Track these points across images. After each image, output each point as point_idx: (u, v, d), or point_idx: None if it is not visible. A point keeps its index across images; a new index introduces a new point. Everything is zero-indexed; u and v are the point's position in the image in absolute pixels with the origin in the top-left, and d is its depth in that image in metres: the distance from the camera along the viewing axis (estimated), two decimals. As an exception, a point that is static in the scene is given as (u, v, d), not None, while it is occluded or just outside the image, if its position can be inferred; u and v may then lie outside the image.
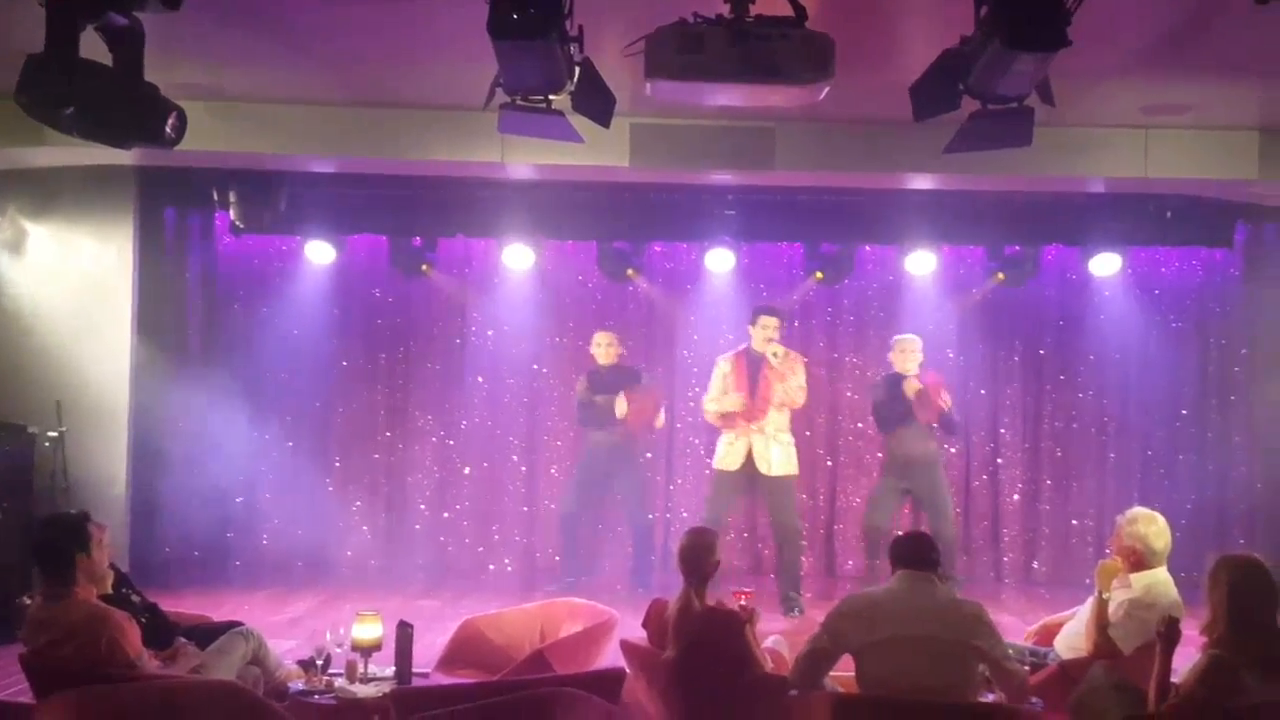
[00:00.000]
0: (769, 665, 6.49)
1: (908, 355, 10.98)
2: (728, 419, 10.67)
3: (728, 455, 10.65)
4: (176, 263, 12.12)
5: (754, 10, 6.51)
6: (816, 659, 6.09)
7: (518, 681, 6.21)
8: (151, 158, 10.45)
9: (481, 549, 12.53)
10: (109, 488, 11.07)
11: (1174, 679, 5.59)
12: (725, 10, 6.52)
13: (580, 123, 7.57)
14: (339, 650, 6.69)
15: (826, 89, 6.68)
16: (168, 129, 7.01)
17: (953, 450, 12.51)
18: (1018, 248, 12.18)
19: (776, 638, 7.40)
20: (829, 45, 6.53)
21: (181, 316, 12.16)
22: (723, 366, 10.79)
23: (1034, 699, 6.16)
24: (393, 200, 11.67)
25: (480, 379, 12.65)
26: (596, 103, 7.41)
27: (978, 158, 8.06)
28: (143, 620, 6.49)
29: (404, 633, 6.67)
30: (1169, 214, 11.42)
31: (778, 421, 10.62)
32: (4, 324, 11.08)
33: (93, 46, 6.55)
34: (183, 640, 6.77)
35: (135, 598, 6.87)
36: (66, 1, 6.30)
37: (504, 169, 10.53)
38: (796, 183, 11.19)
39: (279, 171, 11.20)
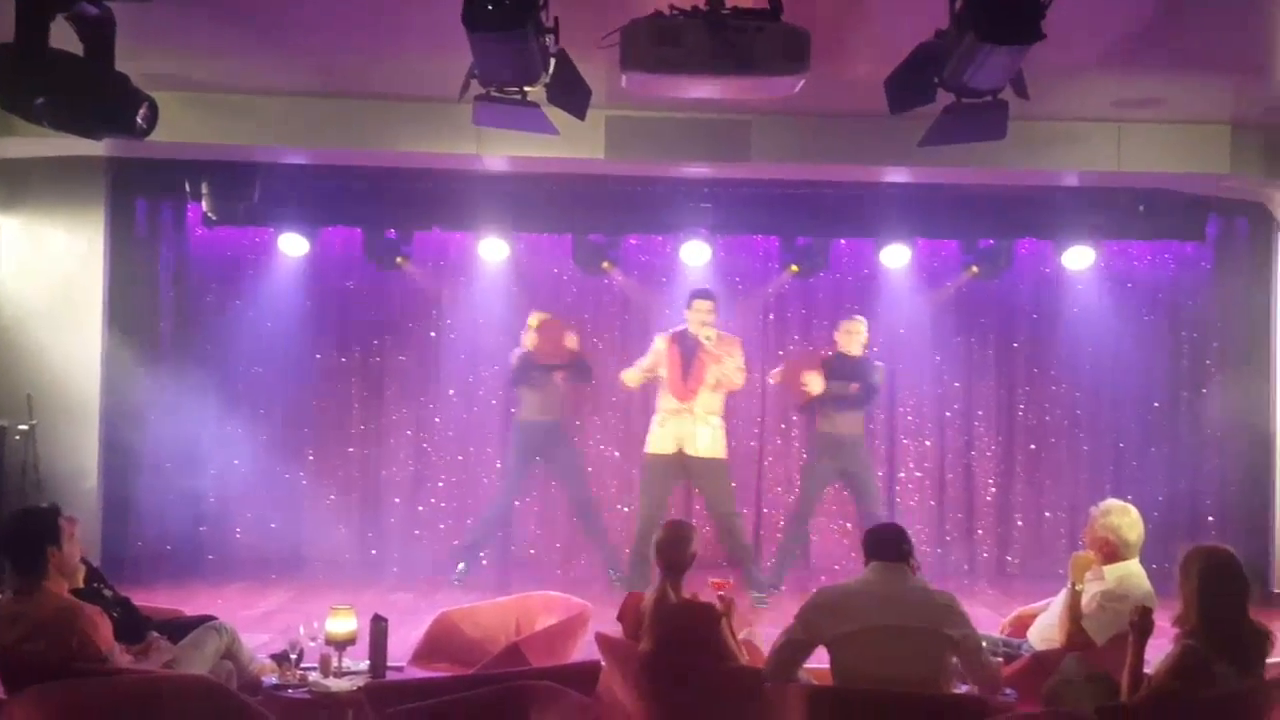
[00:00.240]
0: (744, 657, 6.49)
1: (851, 337, 11.15)
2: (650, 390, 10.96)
3: (658, 439, 10.75)
4: (148, 255, 12.05)
5: (730, 3, 6.51)
6: (790, 651, 6.10)
7: (493, 675, 6.21)
8: (123, 148, 10.38)
9: (456, 542, 12.49)
10: (80, 481, 11.02)
11: (1146, 670, 5.61)
12: (701, 3, 6.51)
13: (556, 115, 7.56)
14: (313, 644, 6.67)
15: (802, 82, 6.69)
16: (139, 119, 6.99)
17: (925, 443, 12.59)
18: (991, 241, 12.20)
19: (750, 629, 7.40)
20: (804, 38, 6.53)
21: (153, 309, 12.10)
22: (658, 344, 10.89)
23: (1007, 690, 6.18)
24: (367, 192, 11.61)
25: (455, 372, 12.61)
26: (572, 95, 7.41)
27: (952, 151, 8.08)
28: (115, 615, 6.46)
29: (378, 626, 6.65)
30: (1141, 207, 11.45)
31: (707, 403, 10.72)
32: (-26, 316, 11.03)
33: (63, 36, 6.51)
34: (155, 635, 6.74)
35: (107, 592, 6.84)
36: (37, -9, 6.28)
37: (479, 161, 10.51)
38: (772, 176, 11.21)
39: (252, 163, 11.14)
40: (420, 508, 12.69)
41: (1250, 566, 5.82)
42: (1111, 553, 6.88)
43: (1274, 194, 11.10)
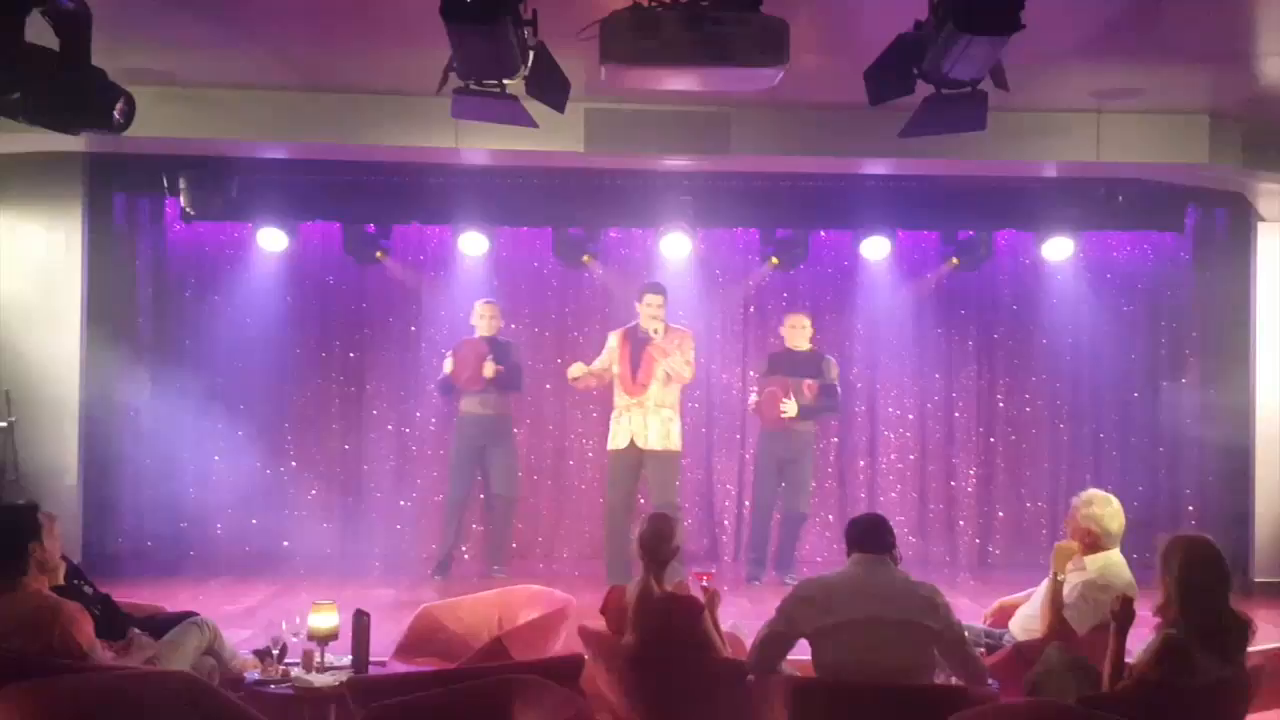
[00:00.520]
0: (728, 650, 6.50)
1: (797, 331, 11.31)
2: (587, 382, 11.05)
3: (615, 435, 10.86)
4: (126, 250, 12.01)
5: (709, -6, 6.51)
6: (772, 643, 6.11)
7: (476, 669, 6.20)
8: (100, 144, 10.33)
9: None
10: (60, 478, 10.96)
11: (1128, 659, 5.63)
12: (679, -6, 6.51)
13: (535, 108, 7.54)
14: (295, 640, 6.67)
15: (781, 74, 6.68)
16: (116, 114, 6.96)
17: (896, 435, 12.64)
18: (971, 232, 12.22)
19: (736, 622, 7.42)
20: (784, 30, 6.52)
21: (132, 305, 12.06)
22: (611, 341, 11.02)
23: (990, 680, 6.19)
24: (346, 187, 11.59)
25: (436, 366, 12.56)
26: (551, 87, 7.39)
27: (932, 142, 8.09)
28: (95, 612, 6.45)
29: (361, 621, 6.64)
30: (1120, 198, 11.47)
31: (659, 397, 10.78)
32: (-49, 313, 10.98)
33: (39, 31, 6.48)
34: (136, 631, 6.73)
35: (87, 589, 6.83)
36: (12, -16, 6.24)
37: (458, 155, 10.48)
38: (752, 168, 11.20)
39: (230, 158, 11.11)
40: (402, 502, 12.68)
41: (1230, 556, 5.84)
42: (1093, 543, 6.91)
43: (1252, 184, 11.13)
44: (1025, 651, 6.62)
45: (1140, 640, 5.64)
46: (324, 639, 6.63)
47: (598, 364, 10.95)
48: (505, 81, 7.22)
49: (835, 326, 12.72)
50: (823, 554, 12.32)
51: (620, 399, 10.85)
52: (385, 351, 12.76)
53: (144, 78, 8.77)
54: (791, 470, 11.30)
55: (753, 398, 11.25)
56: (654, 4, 6.49)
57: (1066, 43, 8.41)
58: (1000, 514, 12.86)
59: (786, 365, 11.24)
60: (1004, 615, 7.49)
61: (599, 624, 6.76)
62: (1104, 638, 5.81)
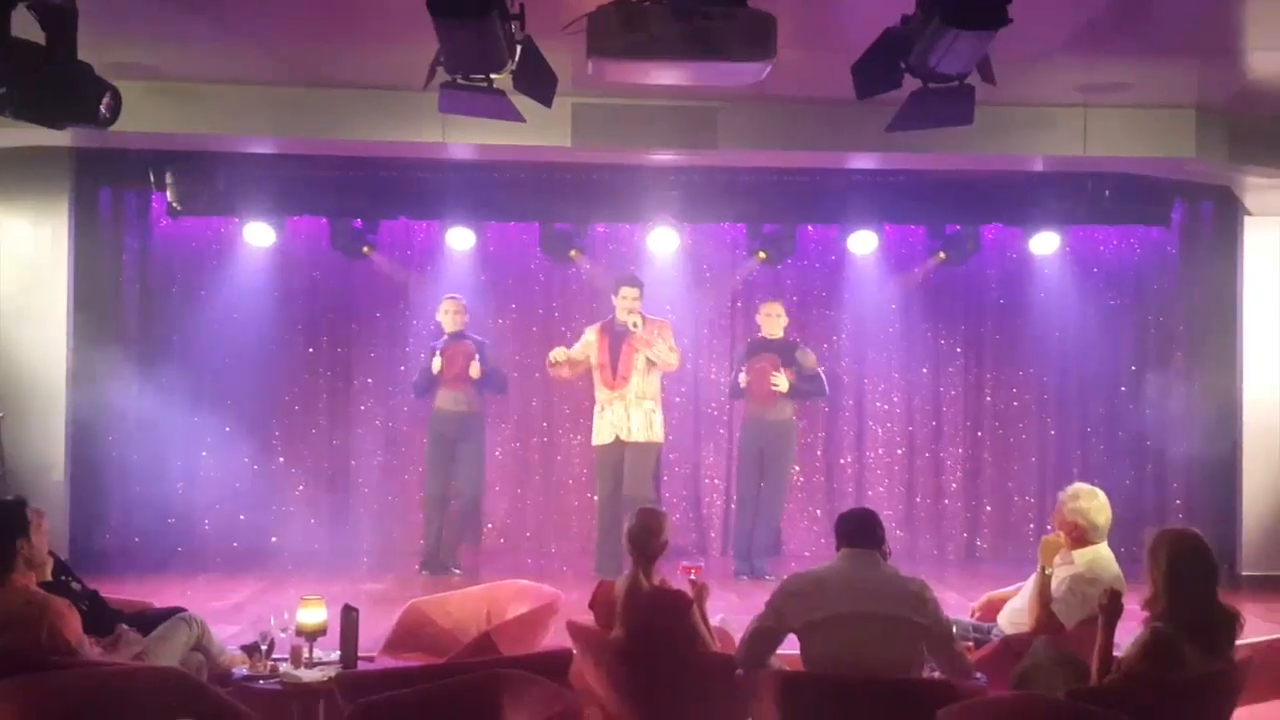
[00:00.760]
0: (716, 644, 6.51)
1: (772, 319, 11.33)
2: (560, 372, 11.09)
3: (599, 430, 10.94)
4: (113, 245, 12.00)
5: (696, -12, 6.51)
6: (761, 638, 6.11)
7: (464, 664, 6.21)
8: (86, 138, 10.30)
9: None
10: (47, 473, 10.95)
11: (1116, 653, 5.63)
12: (667, -12, 6.51)
13: (522, 102, 7.54)
14: (284, 635, 6.66)
15: (769, 68, 6.68)
16: (102, 109, 6.95)
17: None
18: (958, 227, 12.23)
19: (724, 616, 7.42)
20: (771, 24, 6.53)
21: (118, 300, 12.05)
22: (588, 335, 11.07)
23: (977, 674, 6.20)
24: (333, 181, 11.56)
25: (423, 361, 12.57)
26: (538, 82, 7.38)
27: (919, 136, 8.08)
28: (83, 607, 6.43)
29: (349, 617, 6.64)
30: (1107, 192, 11.47)
31: (640, 389, 10.86)
32: (-62, 309, 10.95)
33: (25, 25, 6.46)
34: (124, 627, 6.71)
35: (75, 585, 6.82)
36: (-2, -21, 6.23)
37: (446, 150, 10.46)
38: (739, 163, 11.21)
39: (217, 152, 11.08)
40: (390, 497, 12.68)
41: (1217, 549, 5.85)
42: (1080, 536, 6.91)
43: (1239, 178, 11.14)
44: (1013, 645, 6.63)
45: (1128, 634, 5.64)
46: (312, 634, 6.62)
47: (574, 352, 10.97)
48: (492, 76, 7.22)
49: (822, 321, 12.74)
50: (810, 548, 12.32)
51: (601, 393, 10.89)
52: (373, 347, 12.75)
53: (130, 72, 8.75)
54: (773, 463, 11.32)
55: (742, 376, 11.20)
56: (641, -2, 6.49)
57: (1054, 37, 8.42)
58: (988, 508, 12.88)
59: (763, 353, 11.26)
60: (992, 609, 7.49)
61: (588, 619, 6.76)
62: (1092, 631, 5.81)
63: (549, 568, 11.64)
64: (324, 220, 12.17)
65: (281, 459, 12.58)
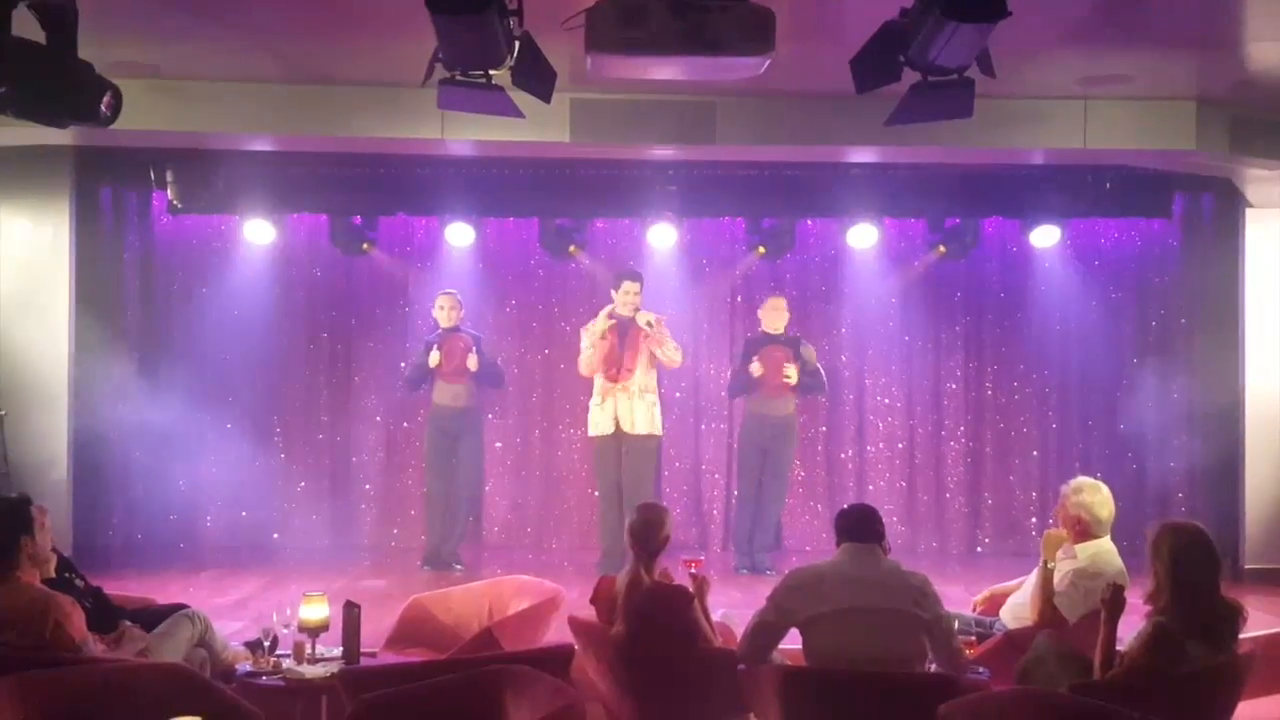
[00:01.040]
0: (718, 639, 6.51)
1: (777, 314, 11.28)
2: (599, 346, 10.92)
3: (600, 420, 10.88)
4: (114, 243, 12.01)
5: (695, -17, 6.50)
6: (763, 633, 6.12)
7: (466, 660, 6.22)
8: (87, 137, 10.30)
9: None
10: (50, 471, 10.96)
11: (1119, 647, 5.64)
12: (665, -17, 6.50)
13: (521, 98, 7.53)
14: (286, 631, 6.66)
15: (767, 63, 6.68)
16: (103, 108, 6.95)
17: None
18: (958, 220, 12.23)
19: (726, 611, 7.42)
20: (770, 18, 6.52)
21: (120, 297, 12.05)
22: (601, 323, 10.90)
23: (980, 669, 6.20)
24: (332, 179, 11.58)
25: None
26: (537, 77, 7.37)
27: (919, 130, 8.07)
28: (87, 604, 6.45)
29: (351, 613, 6.64)
30: (1108, 185, 11.50)
31: (642, 382, 10.89)
32: (-60, 307, 10.95)
33: (25, 25, 6.46)
34: (128, 624, 6.72)
35: (79, 582, 6.84)
36: (-2, -22, 6.23)
37: (444, 146, 10.46)
38: (738, 157, 11.20)
39: (217, 150, 11.11)
40: (391, 493, 12.70)
41: (1220, 542, 5.86)
42: (1083, 530, 6.92)
43: (1240, 170, 11.13)
44: (1016, 640, 6.63)
45: (1131, 628, 5.65)
46: (315, 631, 6.63)
47: (593, 354, 10.89)
48: (491, 72, 7.21)
49: (822, 315, 12.74)
50: (811, 543, 12.32)
51: (602, 384, 10.84)
52: (373, 343, 12.76)
53: (131, 71, 8.74)
54: (775, 458, 11.32)
55: (755, 365, 11.11)
56: (639, -7, 6.49)
57: (1053, 29, 8.41)
58: (989, 502, 12.87)
59: (768, 346, 11.24)
60: (994, 604, 7.49)
61: (589, 614, 6.77)
62: (1095, 626, 5.81)
63: (550, 563, 11.65)
64: (324, 217, 12.19)
65: (283, 455, 12.58)
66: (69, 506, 10.99)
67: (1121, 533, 7.16)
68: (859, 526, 6.15)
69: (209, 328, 12.32)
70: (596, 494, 11.70)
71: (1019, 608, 7.06)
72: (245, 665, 6.66)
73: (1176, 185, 11.68)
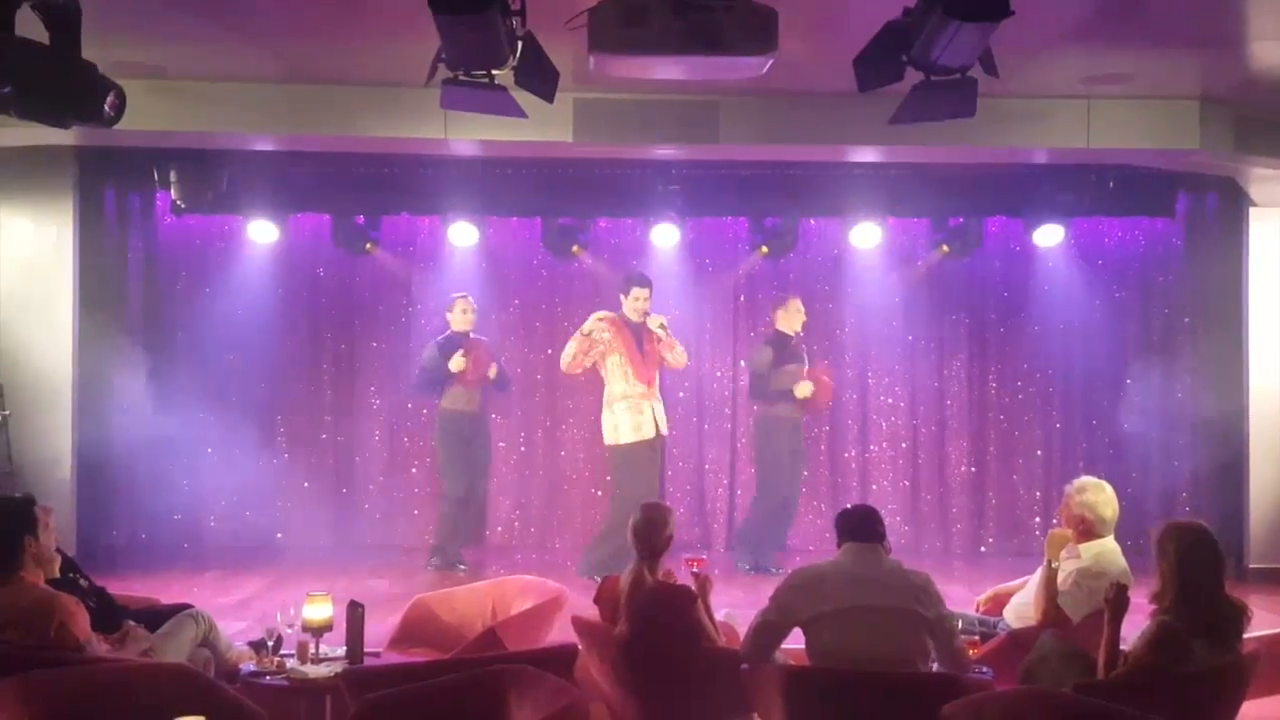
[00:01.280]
0: (721, 639, 6.51)
1: (797, 316, 11.28)
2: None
3: (641, 425, 10.70)
4: (118, 243, 11.98)
5: (697, -17, 6.50)
6: (766, 632, 6.12)
7: (470, 660, 6.23)
8: (91, 137, 10.31)
9: (431, 527, 12.50)
10: (54, 471, 10.96)
11: (1123, 646, 5.64)
12: (668, -17, 6.50)
13: (524, 98, 7.54)
14: (290, 631, 6.66)
15: (770, 62, 6.68)
16: (106, 108, 6.94)
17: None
18: (962, 219, 12.24)
19: (729, 611, 7.42)
20: (772, 18, 6.53)
21: (124, 298, 12.02)
22: (605, 332, 10.72)
23: (983, 668, 6.20)
24: (335, 178, 11.59)
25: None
26: (540, 77, 7.38)
27: (922, 129, 8.08)
28: (91, 604, 6.45)
29: (355, 613, 6.65)
30: (1111, 184, 11.50)
31: (657, 384, 10.93)
32: (-56, 308, 10.96)
33: (29, 24, 6.47)
34: (132, 624, 6.73)
35: (83, 582, 6.84)
36: (2, -21, 6.23)
37: (447, 145, 10.46)
38: (741, 156, 11.20)
39: (220, 150, 11.12)
40: (395, 493, 12.69)
41: (1224, 542, 5.85)
42: (1087, 530, 6.92)
43: (1244, 169, 11.13)
44: (1020, 639, 6.63)
45: (1135, 627, 5.65)
46: (318, 630, 6.63)
47: (589, 356, 10.81)
48: (494, 72, 7.22)
49: (825, 315, 12.72)
50: (814, 543, 12.31)
51: (634, 388, 10.64)
52: (376, 343, 12.76)
53: (134, 71, 8.76)
54: (802, 458, 11.44)
55: (805, 386, 11.08)
56: (642, -8, 6.49)
57: (1056, 28, 8.41)
58: (993, 501, 12.87)
59: (789, 349, 11.22)
60: (998, 603, 7.50)
61: (592, 614, 6.77)
62: (1098, 625, 5.82)
63: (554, 563, 11.64)
64: (327, 217, 12.19)
65: (286, 455, 12.59)
66: (73, 506, 10.99)
67: (1125, 532, 7.17)
68: (860, 526, 6.15)
69: (212, 328, 12.32)
70: (599, 494, 11.69)
71: (1023, 607, 7.07)
72: (249, 665, 6.66)
73: (1180, 184, 11.68)
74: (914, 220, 12.50)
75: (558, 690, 5.42)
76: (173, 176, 11.36)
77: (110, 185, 11.75)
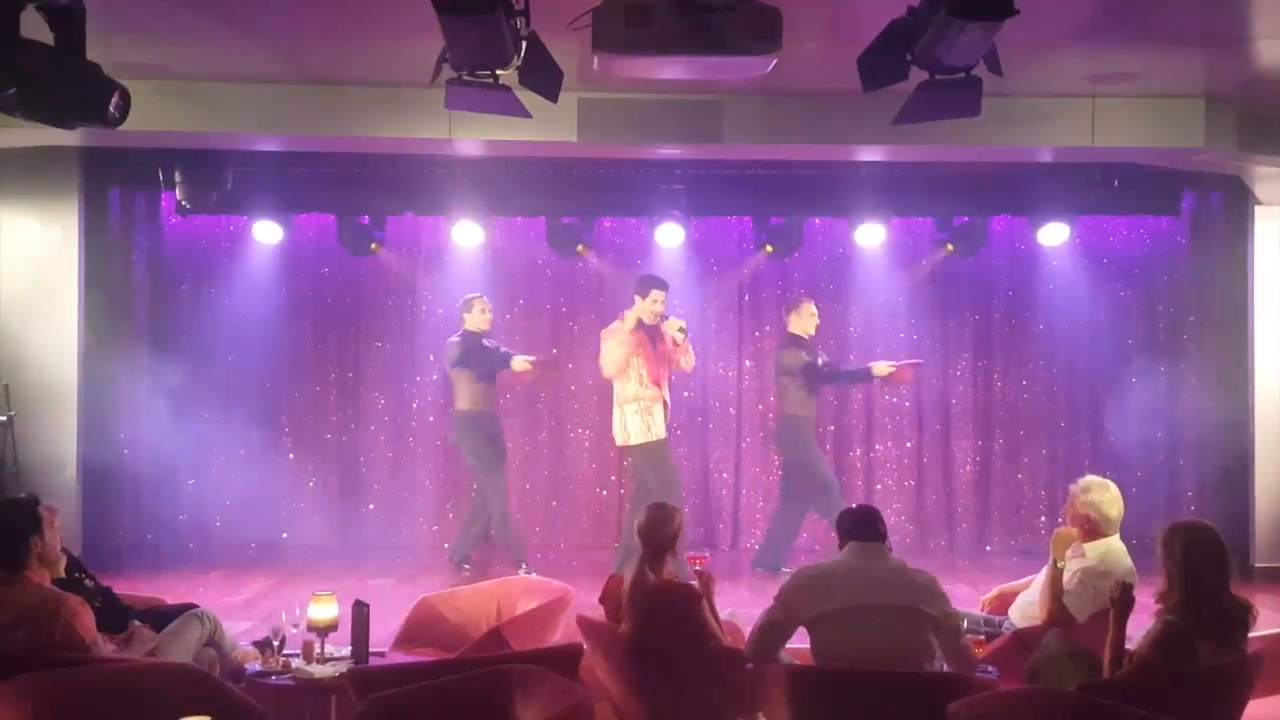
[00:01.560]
0: (726, 637, 6.51)
1: (812, 319, 11.27)
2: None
3: (651, 426, 10.62)
4: (123, 244, 12.00)
5: (701, -18, 6.50)
6: (771, 631, 6.13)
7: (475, 659, 6.23)
8: (96, 138, 10.31)
9: (436, 527, 12.50)
10: (60, 471, 10.98)
11: (1128, 646, 5.64)
12: (672, -18, 6.50)
13: (528, 98, 7.53)
14: (295, 631, 6.68)
15: (774, 61, 6.68)
16: (111, 109, 6.95)
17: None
18: (966, 219, 12.23)
19: (734, 610, 7.42)
20: (776, 17, 6.52)
21: (129, 298, 12.04)
22: (625, 337, 10.63)
23: (989, 667, 6.20)
24: (340, 179, 11.59)
25: (431, 357, 12.52)
26: (544, 77, 7.37)
27: (926, 128, 8.06)
28: (96, 604, 6.47)
29: (360, 612, 6.65)
30: (1116, 183, 11.48)
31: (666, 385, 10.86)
32: (-51, 309, 10.97)
33: (34, 26, 6.47)
34: (137, 624, 6.75)
35: (88, 582, 6.86)
36: (7, -20, 6.23)
37: (452, 145, 10.46)
38: (745, 156, 11.20)
39: (225, 151, 11.12)
40: (401, 493, 12.69)
41: (1230, 541, 5.84)
42: (1092, 529, 6.92)
43: (1249, 167, 11.12)
44: (1025, 638, 6.63)
45: (1140, 627, 5.65)
46: (324, 630, 6.64)
47: (623, 358, 10.66)
48: (498, 72, 7.21)
49: (830, 314, 12.66)
50: (819, 542, 12.28)
51: (647, 390, 10.56)
52: (381, 343, 12.76)
53: (139, 71, 8.75)
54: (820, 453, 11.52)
55: (886, 366, 11.28)
56: (646, -8, 6.48)
57: (1061, 27, 8.40)
58: (998, 500, 12.85)
59: (807, 351, 11.23)
60: (1003, 602, 7.50)
61: (598, 613, 6.77)
62: (1104, 624, 5.82)
63: (558, 562, 11.64)
64: (331, 217, 12.17)
65: (291, 455, 12.59)
66: (78, 506, 11.01)
67: (1131, 531, 7.16)
68: (862, 526, 6.16)
69: (218, 328, 12.34)
70: (604, 493, 11.69)
71: (1028, 606, 7.06)
72: (254, 665, 6.66)
73: (1185, 183, 11.67)
74: (919, 219, 12.48)
75: (563, 690, 5.43)
76: (177, 177, 11.35)
77: (115, 186, 11.77)
